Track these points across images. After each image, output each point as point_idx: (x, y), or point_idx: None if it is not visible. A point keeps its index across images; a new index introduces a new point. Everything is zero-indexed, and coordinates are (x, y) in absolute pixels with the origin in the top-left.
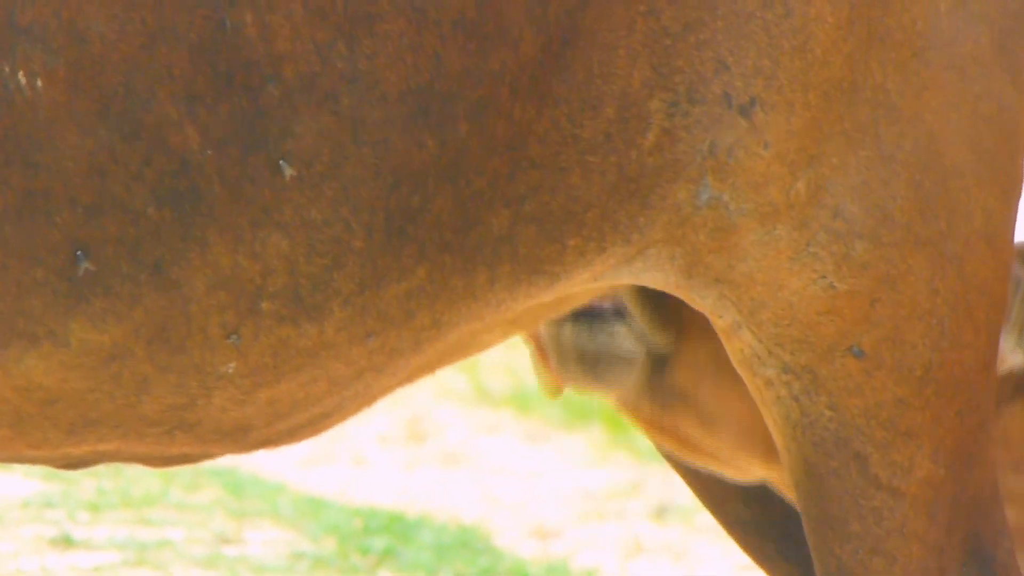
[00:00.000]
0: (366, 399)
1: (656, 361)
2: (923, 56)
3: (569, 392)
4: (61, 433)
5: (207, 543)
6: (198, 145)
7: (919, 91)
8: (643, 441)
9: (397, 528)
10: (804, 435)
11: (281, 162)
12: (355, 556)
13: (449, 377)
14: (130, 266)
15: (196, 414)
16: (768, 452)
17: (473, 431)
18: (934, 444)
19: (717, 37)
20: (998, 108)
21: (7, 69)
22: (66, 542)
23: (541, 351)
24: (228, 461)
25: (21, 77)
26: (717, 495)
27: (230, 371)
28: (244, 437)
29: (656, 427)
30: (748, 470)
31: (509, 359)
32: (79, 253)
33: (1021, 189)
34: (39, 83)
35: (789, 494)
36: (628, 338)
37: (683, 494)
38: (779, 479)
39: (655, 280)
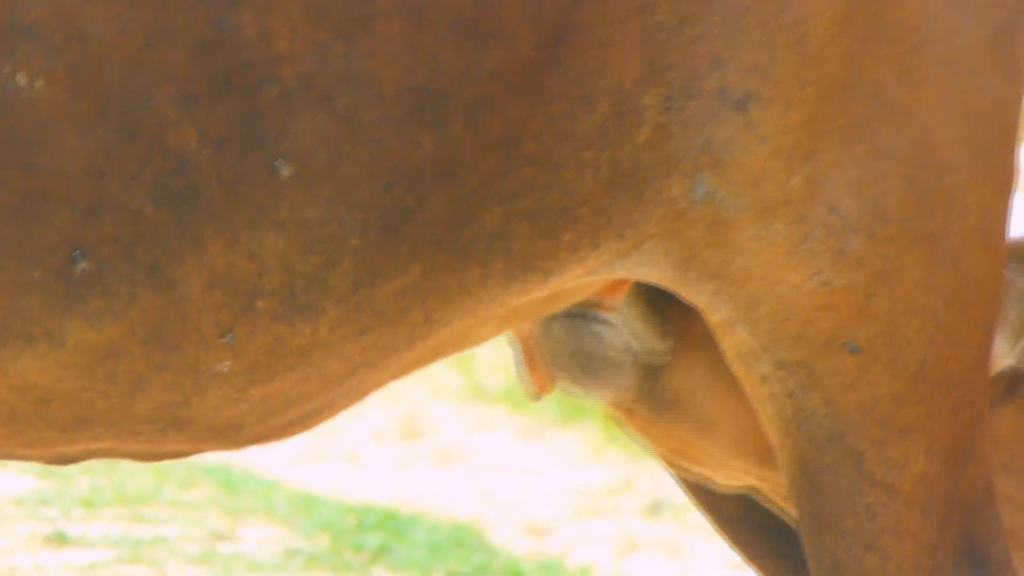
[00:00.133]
0: (358, 395)
1: (651, 366)
2: (918, 52)
3: (550, 396)
4: (55, 432)
5: (201, 540)
6: (196, 145)
7: (914, 87)
8: None
9: (391, 525)
10: (799, 431)
11: (278, 162)
12: (349, 553)
13: (443, 374)
14: (127, 266)
15: (189, 412)
16: (762, 459)
17: (467, 428)
18: (928, 440)
19: (712, 32)
20: (992, 103)
21: (7, 69)
22: (60, 539)
23: (527, 354)
24: (222, 458)
25: (21, 77)
26: (708, 493)
27: (224, 369)
28: (236, 434)
29: (649, 432)
30: (740, 477)
31: (503, 356)
32: (77, 253)
33: (1016, 184)
34: (39, 83)
35: (780, 502)
36: (618, 341)
37: (676, 491)
38: (771, 487)
39: (649, 275)
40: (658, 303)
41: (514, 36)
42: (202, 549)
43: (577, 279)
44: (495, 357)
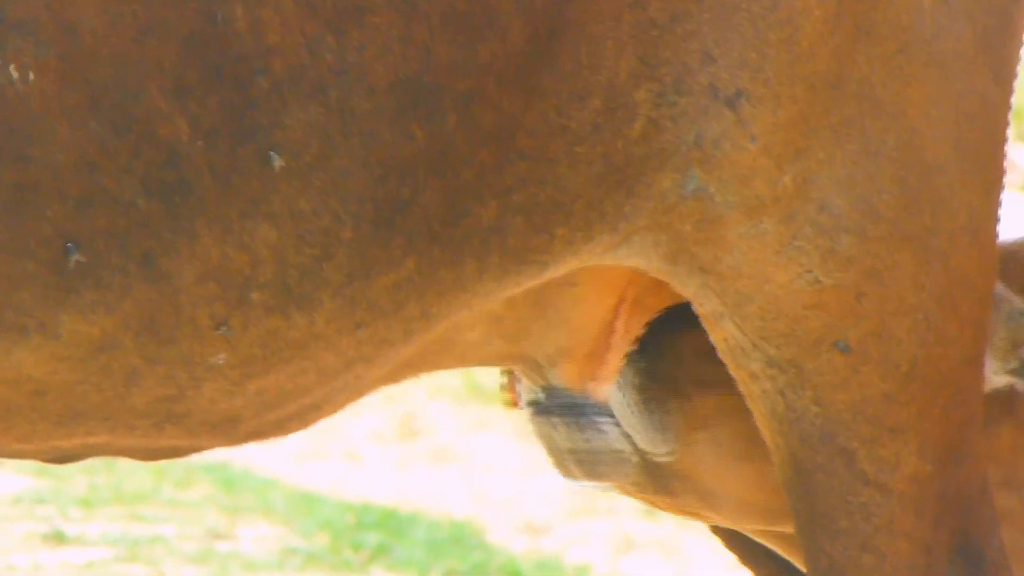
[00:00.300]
0: (356, 391)
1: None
2: (907, 51)
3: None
4: (49, 425)
5: (199, 539)
6: (188, 137)
7: (902, 86)
8: None
9: (389, 524)
10: (791, 430)
11: (270, 153)
12: (347, 552)
13: (441, 374)
14: (120, 258)
15: (185, 405)
16: (767, 517)
17: (465, 428)
18: (920, 440)
19: (703, 29)
20: (981, 104)
21: None
22: (58, 538)
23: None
24: (220, 457)
25: (12, 70)
26: None
27: (220, 362)
28: (233, 429)
29: (653, 502)
30: (745, 530)
31: None
32: (70, 245)
33: (1004, 185)
34: (30, 76)
35: (783, 553)
36: (621, 436)
37: None
38: (774, 541)
39: (638, 265)
40: (657, 395)
41: (507, 30)
42: (200, 548)
43: (568, 268)
44: None
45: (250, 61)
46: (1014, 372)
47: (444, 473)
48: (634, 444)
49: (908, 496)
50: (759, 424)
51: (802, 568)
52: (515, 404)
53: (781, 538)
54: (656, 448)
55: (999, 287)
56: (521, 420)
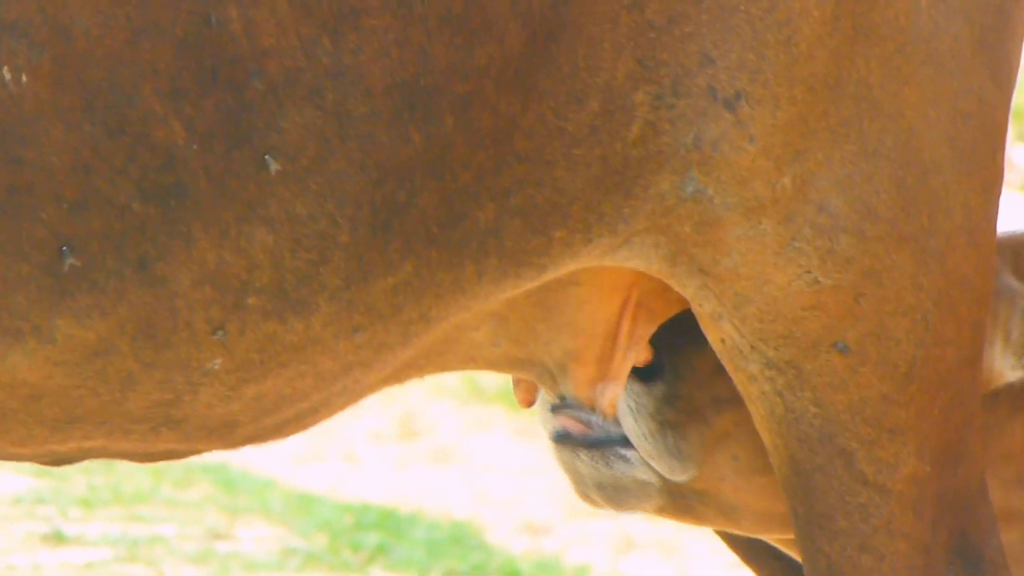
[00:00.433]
0: (354, 394)
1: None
2: (905, 51)
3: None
4: (45, 430)
5: (198, 539)
6: (183, 140)
7: (900, 87)
8: None
9: (389, 524)
10: (789, 431)
11: (266, 157)
12: (347, 552)
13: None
14: (115, 262)
15: (182, 410)
16: (786, 528)
17: (465, 427)
18: (919, 441)
19: (702, 30)
20: (978, 103)
21: None
22: (58, 538)
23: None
24: (219, 457)
25: (6, 72)
26: None
27: (216, 367)
28: (230, 433)
29: (674, 518)
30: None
31: None
32: (64, 249)
33: (1002, 184)
34: (24, 78)
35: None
36: (643, 463)
37: None
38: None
39: (638, 266)
40: (673, 420)
41: (504, 32)
42: (199, 548)
43: (567, 269)
44: None
45: (245, 63)
46: None
47: (444, 473)
48: (655, 470)
49: (907, 497)
50: (757, 425)
51: None
52: (526, 404)
53: None
54: (674, 474)
55: (1015, 282)
56: (522, 420)
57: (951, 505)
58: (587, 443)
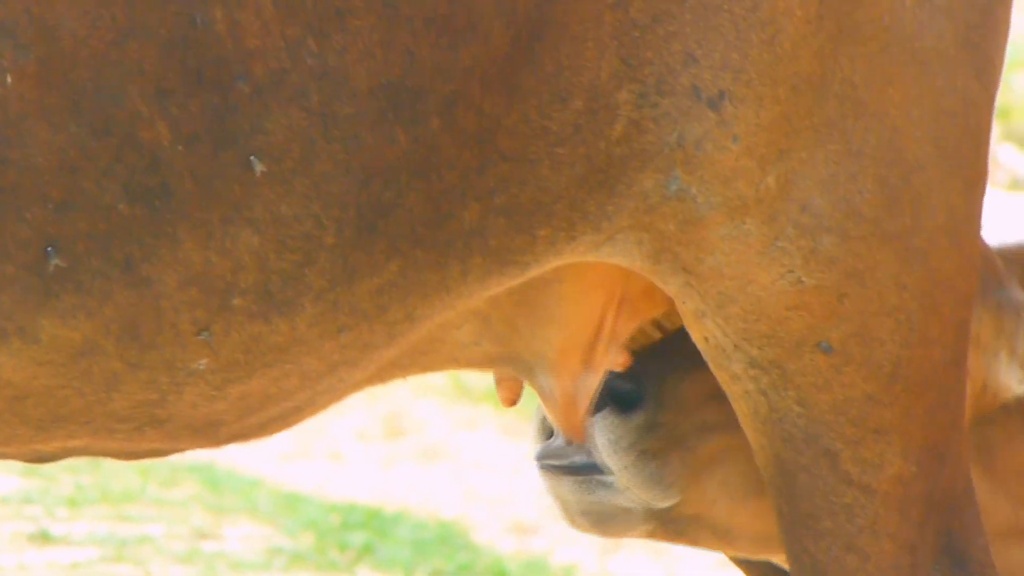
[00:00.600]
0: (339, 393)
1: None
2: (888, 51)
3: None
4: (30, 430)
5: (185, 539)
6: (169, 141)
7: (884, 86)
8: None
9: (375, 524)
10: (774, 431)
11: (252, 158)
12: (333, 552)
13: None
14: (101, 262)
15: (166, 410)
16: (783, 547)
17: (452, 427)
18: (904, 441)
19: (685, 30)
20: (962, 103)
21: None
22: (44, 538)
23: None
24: (206, 457)
25: None
26: None
27: (201, 367)
28: (215, 432)
29: (668, 541)
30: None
31: None
32: (49, 249)
33: (986, 183)
34: (9, 79)
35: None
36: (625, 491)
37: None
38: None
39: (621, 263)
40: (653, 449)
41: (488, 32)
42: (186, 547)
43: (551, 266)
44: None
45: (230, 65)
46: None
47: (431, 472)
48: (641, 501)
49: (892, 497)
50: (742, 424)
51: None
52: (511, 402)
53: None
54: (656, 501)
55: (1020, 293)
56: (509, 419)
57: (937, 505)
58: (570, 470)
